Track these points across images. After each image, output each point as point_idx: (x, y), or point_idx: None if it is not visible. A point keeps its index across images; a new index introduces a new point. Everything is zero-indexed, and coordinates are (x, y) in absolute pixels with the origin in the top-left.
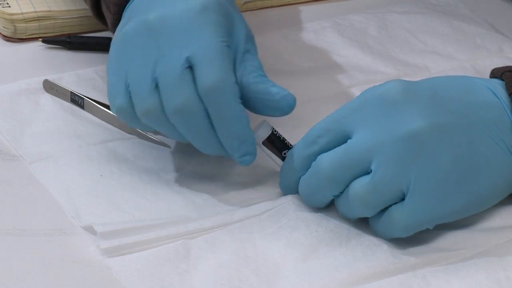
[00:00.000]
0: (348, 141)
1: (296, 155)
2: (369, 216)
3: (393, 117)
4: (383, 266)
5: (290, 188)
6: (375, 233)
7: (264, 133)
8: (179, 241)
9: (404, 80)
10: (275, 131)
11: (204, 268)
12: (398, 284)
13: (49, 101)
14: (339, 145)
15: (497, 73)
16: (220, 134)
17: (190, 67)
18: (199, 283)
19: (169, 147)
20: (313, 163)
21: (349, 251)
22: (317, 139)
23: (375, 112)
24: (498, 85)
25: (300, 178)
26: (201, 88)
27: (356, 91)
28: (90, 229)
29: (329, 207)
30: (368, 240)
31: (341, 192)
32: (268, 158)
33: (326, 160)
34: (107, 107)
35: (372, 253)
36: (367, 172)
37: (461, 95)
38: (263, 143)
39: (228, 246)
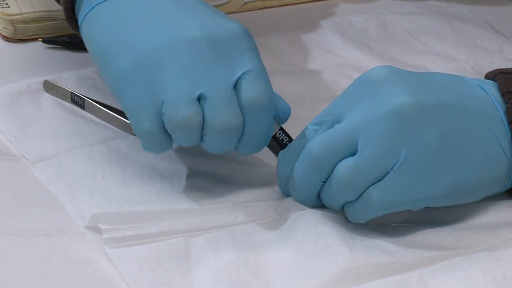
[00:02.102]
0: (335, 125)
1: (290, 151)
2: (351, 199)
3: (378, 97)
4: (381, 266)
5: (285, 187)
6: (351, 218)
7: None
8: (181, 238)
9: (391, 65)
10: (279, 133)
11: (204, 267)
12: (396, 284)
13: (49, 101)
14: None
15: (490, 76)
16: (243, 145)
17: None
18: (198, 282)
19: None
20: (303, 150)
21: (347, 249)
22: (310, 133)
23: (362, 95)
24: (489, 85)
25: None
26: (247, 102)
27: None
28: (93, 229)
29: (326, 209)
30: (366, 240)
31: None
32: (271, 156)
33: (313, 143)
34: (108, 107)
35: (369, 252)
36: (355, 153)
37: (450, 84)
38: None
39: (229, 247)
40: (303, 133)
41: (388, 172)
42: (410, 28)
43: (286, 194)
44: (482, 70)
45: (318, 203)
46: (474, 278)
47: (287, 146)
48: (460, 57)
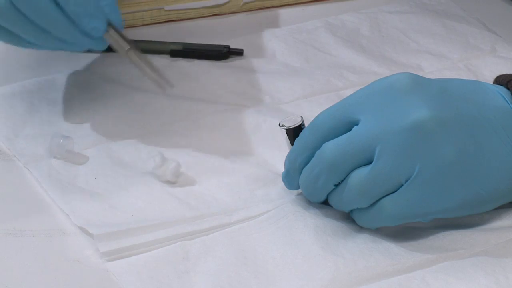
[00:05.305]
0: (353, 128)
1: (301, 140)
2: (363, 206)
3: (398, 107)
4: (382, 267)
5: (291, 177)
6: (360, 223)
7: (291, 123)
8: (178, 243)
9: (414, 74)
10: (303, 125)
11: (203, 270)
12: (398, 285)
13: (43, 102)
14: (344, 132)
15: (502, 81)
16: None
17: None
18: (197, 286)
19: (173, 85)
20: (317, 152)
21: (347, 251)
22: (322, 125)
23: (382, 100)
24: (509, 94)
25: (302, 163)
26: None
27: (350, 92)
28: (85, 230)
29: (328, 208)
30: (367, 241)
31: (340, 182)
32: (266, 157)
33: (329, 147)
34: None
35: (370, 253)
36: (370, 161)
37: (471, 95)
38: (287, 130)
39: (227, 249)
40: (314, 123)
41: (402, 185)
42: (402, 27)
43: (288, 186)
44: (475, 69)
45: (325, 201)
46: (476, 279)
47: (300, 135)
48: (453, 56)
